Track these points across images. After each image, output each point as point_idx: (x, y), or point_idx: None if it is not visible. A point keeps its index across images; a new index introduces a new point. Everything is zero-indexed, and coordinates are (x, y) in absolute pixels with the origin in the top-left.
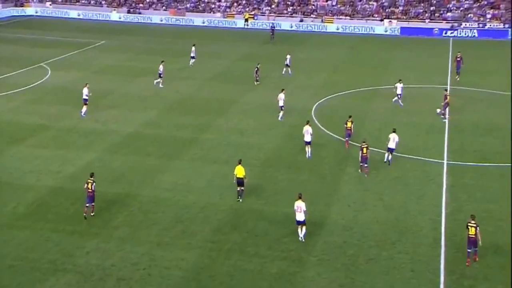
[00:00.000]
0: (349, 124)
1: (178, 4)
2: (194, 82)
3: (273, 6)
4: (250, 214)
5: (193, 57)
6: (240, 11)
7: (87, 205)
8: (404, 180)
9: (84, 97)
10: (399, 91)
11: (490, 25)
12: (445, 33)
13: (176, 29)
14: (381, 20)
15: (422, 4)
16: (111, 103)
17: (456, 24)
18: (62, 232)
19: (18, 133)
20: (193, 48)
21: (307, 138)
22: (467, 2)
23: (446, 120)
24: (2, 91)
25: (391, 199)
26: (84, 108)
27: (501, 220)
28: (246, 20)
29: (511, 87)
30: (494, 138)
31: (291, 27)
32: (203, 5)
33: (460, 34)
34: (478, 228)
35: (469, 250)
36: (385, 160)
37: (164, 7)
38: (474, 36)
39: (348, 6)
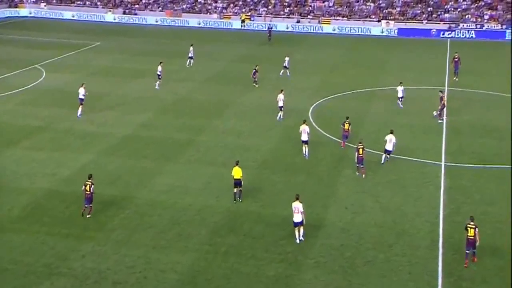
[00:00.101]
0: (346, 126)
1: (174, 5)
2: (190, 84)
3: (269, 7)
4: (247, 216)
5: (191, 58)
6: (236, 12)
7: (86, 206)
8: (402, 182)
9: (81, 96)
10: (400, 94)
11: (488, 26)
12: (443, 34)
13: (172, 30)
14: (378, 21)
15: (420, 5)
16: (107, 105)
17: (453, 25)
18: (57, 235)
19: (12, 135)
20: (191, 49)
21: (304, 137)
22: (465, 3)
23: (444, 121)
24: None
25: (388, 201)
26: (80, 109)
27: (499, 222)
28: (243, 21)
29: (511, 88)
30: (492, 140)
31: (287, 28)
32: (199, 6)
33: (457, 35)
34: (477, 229)
35: (467, 252)
36: (382, 161)
37: (160, 8)
38: (471, 37)
39: (345, 7)
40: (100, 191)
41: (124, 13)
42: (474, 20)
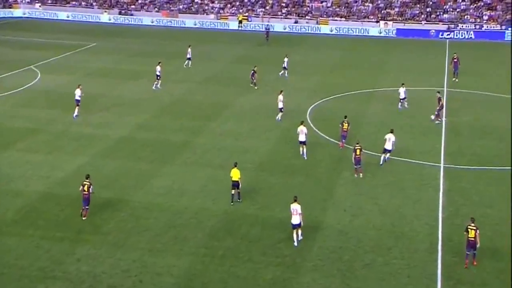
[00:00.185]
0: (345, 126)
1: (171, 6)
2: (187, 85)
3: (267, 7)
4: (244, 219)
5: (189, 59)
6: (233, 13)
7: (84, 207)
8: (400, 184)
9: (77, 97)
10: (402, 96)
11: (487, 27)
12: (442, 35)
13: (168, 31)
14: (377, 21)
15: (418, 6)
16: (103, 106)
17: (452, 26)
18: (52, 239)
19: (7, 137)
20: (189, 49)
21: (302, 138)
22: (464, 3)
23: (443, 122)
24: None
25: (387, 203)
26: (76, 110)
27: (499, 224)
28: (240, 21)
29: (511, 89)
30: (492, 141)
31: (285, 28)
32: (196, 6)
33: (456, 35)
34: (478, 231)
35: (468, 253)
36: (380, 163)
37: (156, 9)
38: (470, 37)
39: (343, 8)
40: (95, 193)
41: (120, 13)
42: (473, 20)
